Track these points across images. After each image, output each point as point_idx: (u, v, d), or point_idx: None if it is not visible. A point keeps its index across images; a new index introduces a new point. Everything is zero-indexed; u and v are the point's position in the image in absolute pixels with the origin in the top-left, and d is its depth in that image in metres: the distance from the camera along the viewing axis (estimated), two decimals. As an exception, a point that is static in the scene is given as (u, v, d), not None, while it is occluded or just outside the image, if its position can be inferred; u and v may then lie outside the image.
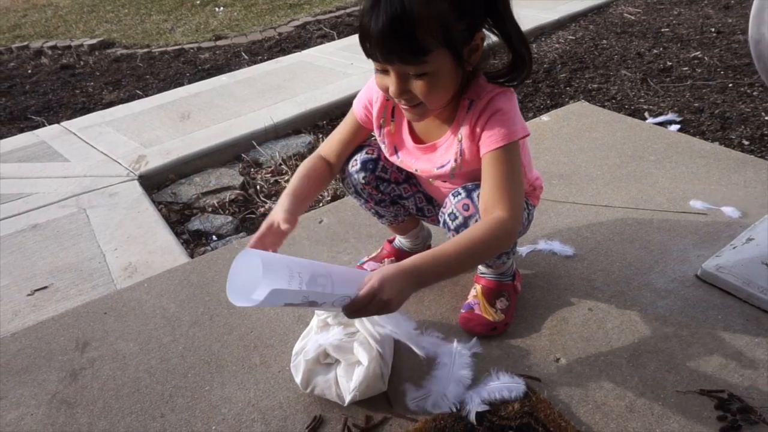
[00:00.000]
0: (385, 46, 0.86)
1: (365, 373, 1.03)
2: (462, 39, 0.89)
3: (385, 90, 0.96)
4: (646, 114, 2.33)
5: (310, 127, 2.50)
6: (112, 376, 1.18)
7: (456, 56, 0.90)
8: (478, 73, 0.99)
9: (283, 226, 1.01)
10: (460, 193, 1.06)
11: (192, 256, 1.67)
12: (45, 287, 1.55)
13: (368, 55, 0.90)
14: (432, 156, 1.08)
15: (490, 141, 0.98)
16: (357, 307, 0.85)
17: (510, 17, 0.92)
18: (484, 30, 0.93)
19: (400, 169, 1.20)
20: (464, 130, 1.01)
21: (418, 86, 0.92)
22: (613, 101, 2.51)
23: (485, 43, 0.93)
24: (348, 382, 1.04)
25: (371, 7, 0.85)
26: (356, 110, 1.15)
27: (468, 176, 1.07)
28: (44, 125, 2.71)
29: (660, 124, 2.19)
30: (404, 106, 0.98)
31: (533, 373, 1.11)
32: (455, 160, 1.04)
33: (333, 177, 1.22)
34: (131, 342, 1.27)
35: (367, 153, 1.19)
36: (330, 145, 1.19)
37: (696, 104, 2.39)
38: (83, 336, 1.29)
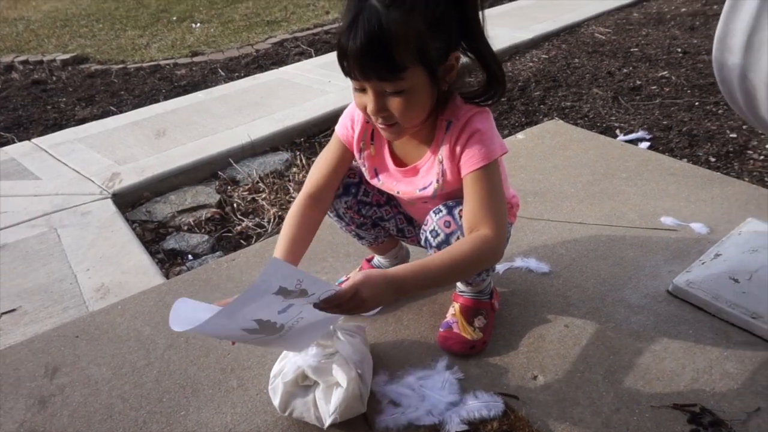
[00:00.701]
0: (363, 63, 0.88)
1: (344, 394, 1.02)
2: (437, 57, 0.91)
3: (363, 109, 0.97)
4: (618, 131, 2.39)
5: (287, 145, 2.50)
6: (84, 403, 1.15)
7: (431, 74, 0.92)
8: (454, 93, 1.01)
9: None
10: (441, 210, 1.07)
11: (167, 276, 1.65)
12: (13, 310, 1.50)
13: (346, 73, 0.92)
14: (414, 179, 1.09)
15: (470, 162, 0.99)
16: (336, 302, 0.87)
17: (482, 38, 0.95)
18: (459, 51, 0.95)
19: (381, 192, 1.21)
20: (444, 151, 1.03)
21: (394, 104, 0.93)
22: (586, 119, 2.57)
23: (459, 63, 0.95)
24: (327, 405, 1.03)
25: (349, 27, 0.87)
26: (339, 132, 1.15)
27: (449, 196, 1.08)
28: (14, 142, 2.65)
29: (631, 141, 2.25)
30: (381, 125, 0.99)
31: (511, 390, 1.12)
32: (437, 181, 1.05)
33: (325, 212, 1.20)
34: (104, 367, 1.24)
35: (349, 177, 1.19)
36: (317, 179, 1.16)
37: (665, 122, 2.46)
38: (53, 361, 1.26)
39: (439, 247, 1.07)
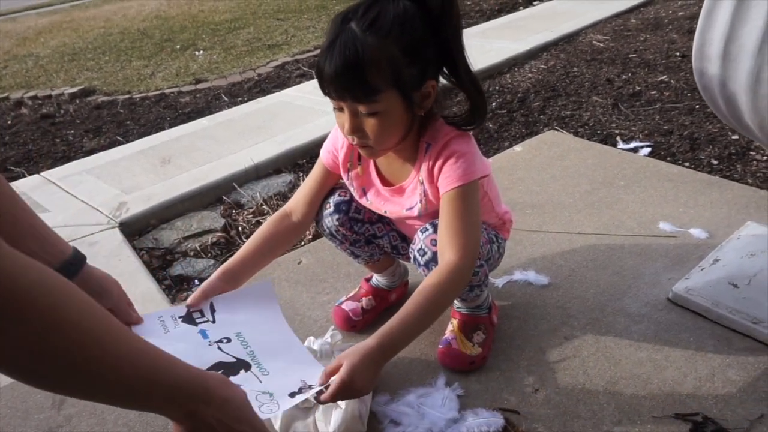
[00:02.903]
0: (339, 85, 0.92)
1: (343, 415, 1.03)
2: (412, 83, 0.94)
3: (342, 127, 1.00)
4: (618, 138, 2.39)
5: (290, 167, 2.53)
6: (91, 433, 1.17)
7: (406, 99, 0.94)
8: (436, 116, 1.03)
9: (192, 300, 1.07)
10: (428, 229, 1.09)
11: (173, 302, 1.67)
12: (24, 342, 1.53)
13: (324, 92, 0.96)
14: (400, 199, 1.11)
15: (446, 182, 1.01)
16: (331, 398, 0.92)
17: (463, 66, 0.97)
18: (440, 77, 0.97)
19: None
20: (423, 173, 1.05)
21: (369, 125, 0.96)
22: (586, 127, 2.57)
23: (438, 88, 0.98)
24: (327, 426, 1.04)
25: (327, 49, 0.91)
26: (323, 158, 1.19)
27: (436, 215, 1.10)
28: (24, 176, 2.71)
29: (632, 149, 2.25)
30: (356, 144, 1.02)
31: (512, 405, 1.12)
32: (421, 201, 1.07)
33: (303, 229, 1.25)
34: (110, 395, 1.26)
35: (339, 195, 1.22)
36: (298, 198, 1.22)
37: (666, 126, 2.46)
38: (61, 392, 1.28)
39: (427, 265, 1.09)
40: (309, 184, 1.22)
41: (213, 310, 1.07)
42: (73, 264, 0.87)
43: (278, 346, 1.02)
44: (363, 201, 1.17)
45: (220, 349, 0.96)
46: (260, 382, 0.93)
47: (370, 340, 0.94)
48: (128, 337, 0.59)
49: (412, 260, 1.14)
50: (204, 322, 1.03)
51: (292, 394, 0.91)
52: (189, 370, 0.65)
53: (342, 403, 1.04)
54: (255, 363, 0.96)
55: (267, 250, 1.19)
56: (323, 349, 1.07)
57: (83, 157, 2.85)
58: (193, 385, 0.64)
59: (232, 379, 0.88)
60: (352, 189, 1.18)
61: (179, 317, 1.04)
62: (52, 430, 1.19)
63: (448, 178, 1.01)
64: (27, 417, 1.23)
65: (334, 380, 0.91)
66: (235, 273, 1.14)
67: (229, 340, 0.99)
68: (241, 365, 0.95)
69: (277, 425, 1.07)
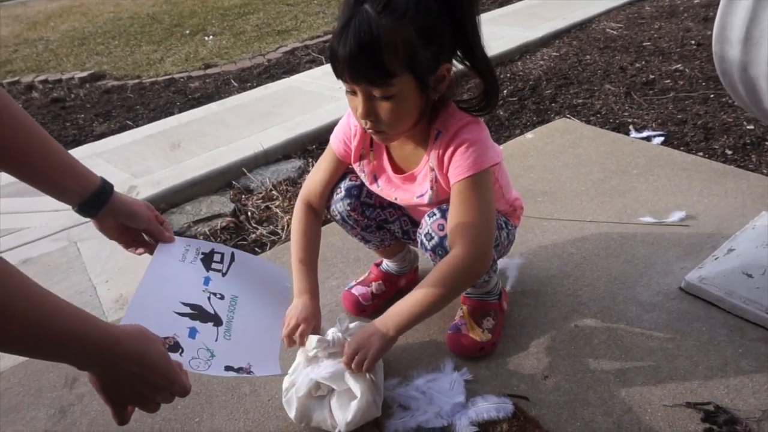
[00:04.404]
0: (353, 68, 0.90)
1: (359, 404, 1.02)
2: (427, 65, 0.92)
3: (355, 111, 0.98)
4: (631, 127, 2.36)
5: (300, 152, 2.53)
6: (102, 412, 1.18)
7: (420, 82, 0.93)
8: (448, 102, 1.02)
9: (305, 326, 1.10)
10: (435, 214, 1.08)
11: (183, 285, 1.68)
12: (36, 323, 1.55)
13: (337, 76, 0.94)
14: (411, 186, 1.10)
15: (457, 172, 1.00)
16: (348, 354, 1.02)
17: (478, 48, 0.95)
18: (454, 61, 0.95)
19: None
20: (434, 161, 1.04)
21: (383, 109, 0.94)
22: (598, 116, 2.54)
23: (452, 73, 0.96)
24: (342, 413, 1.03)
25: (341, 31, 0.89)
26: (334, 146, 1.17)
27: (448, 202, 1.09)
28: (36, 159, 2.72)
29: (645, 138, 2.22)
30: (369, 130, 1.01)
31: (521, 392, 1.12)
32: (431, 188, 1.06)
33: (322, 217, 1.26)
34: (121, 375, 1.27)
35: (350, 180, 1.21)
36: (314, 188, 1.21)
37: (679, 116, 2.43)
38: (72, 372, 1.29)
39: (434, 250, 1.08)
40: (323, 173, 1.20)
41: (232, 261, 1.10)
42: (103, 193, 0.93)
43: (258, 328, 1.04)
44: (374, 188, 1.17)
45: (209, 299, 0.99)
46: (215, 341, 0.94)
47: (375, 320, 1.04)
48: (39, 298, 0.63)
49: (419, 245, 1.13)
50: (217, 270, 1.06)
51: (228, 368, 0.91)
52: (101, 327, 0.67)
53: (357, 392, 1.03)
54: (227, 326, 0.98)
55: (316, 247, 1.21)
56: (335, 338, 1.07)
57: (93, 141, 2.86)
58: (105, 341, 0.67)
59: (198, 326, 0.92)
60: (362, 176, 1.17)
61: (202, 253, 1.08)
62: (64, 408, 1.20)
63: (459, 168, 1.00)
64: (39, 395, 1.24)
65: (345, 352, 1.02)
66: (315, 288, 1.17)
67: (222, 297, 1.02)
68: (215, 319, 0.97)
69: (292, 414, 1.06)
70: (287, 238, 1.90)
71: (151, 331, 0.75)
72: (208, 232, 2.01)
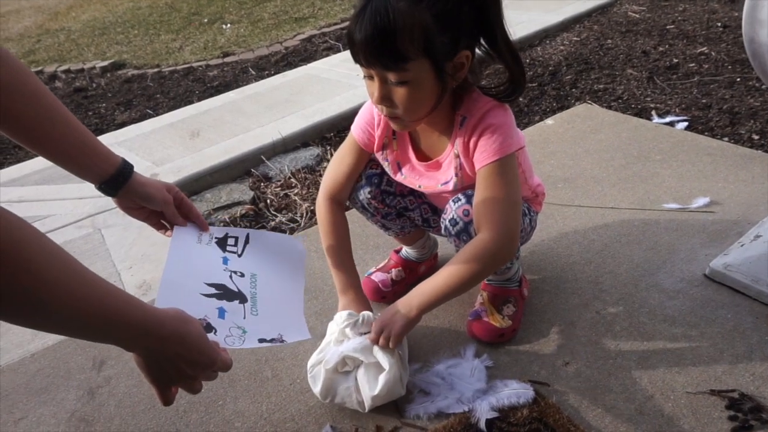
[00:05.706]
0: (368, 52, 0.90)
1: (386, 377, 1.04)
2: (444, 52, 0.91)
3: (372, 96, 0.98)
4: (653, 113, 2.32)
5: (318, 140, 2.53)
6: (128, 393, 1.21)
7: (437, 68, 0.92)
8: (471, 88, 1.01)
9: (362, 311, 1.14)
10: (460, 199, 1.08)
11: (204, 271, 1.70)
12: (63, 307, 1.58)
13: (355, 60, 0.94)
14: (436, 173, 1.10)
15: (482, 156, 0.99)
16: (376, 330, 1.06)
17: (503, 36, 0.93)
18: (476, 49, 0.94)
19: None
20: (459, 147, 1.03)
21: (398, 94, 0.94)
22: (620, 101, 2.50)
23: (474, 60, 0.95)
24: (368, 388, 1.05)
25: (358, 15, 0.89)
26: (356, 135, 1.17)
27: (472, 189, 1.08)
28: (59, 148, 2.77)
29: (668, 123, 2.18)
30: (385, 116, 1.00)
31: (542, 378, 1.12)
32: (456, 175, 1.06)
33: (344, 210, 1.26)
34: (146, 359, 1.29)
35: (371, 168, 1.21)
36: (338, 179, 1.20)
37: (704, 100, 2.37)
38: (100, 354, 1.33)
39: (458, 235, 1.08)
40: (346, 166, 1.19)
41: (246, 243, 1.10)
42: (123, 173, 0.94)
43: (281, 299, 1.05)
44: (398, 177, 1.16)
45: (230, 277, 1.00)
46: (244, 318, 0.95)
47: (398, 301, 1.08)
48: (86, 280, 0.63)
49: (443, 230, 1.13)
50: (232, 252, 1.07)
51: (262, 340, 0.93)
52: (145, 310, 0.69)
53: (385, 365, 1.04)
54: (252, 302, 0.99)
55: (348, 242, 1.23)
56: (365, 316, 1.10)
57: (115, 129, 2.90)
58: (150, 324, 0.69)
59: (225, 305, 0.94)
60: (386, 164, 1.17)
61: (216, 237, 1.08)
62: (93, 389, 1.23)
63: (485, 153, 0.99)
64: (69, 377, 1.28)
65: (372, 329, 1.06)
66: (356, 282, 1.21)
67: (242, 275, 1.03)
68: (240, 297, 0.98)
69: (317, 389, 1.08)
70: (306, 226, 1.91)
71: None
72: (228, 220, 2.03)
